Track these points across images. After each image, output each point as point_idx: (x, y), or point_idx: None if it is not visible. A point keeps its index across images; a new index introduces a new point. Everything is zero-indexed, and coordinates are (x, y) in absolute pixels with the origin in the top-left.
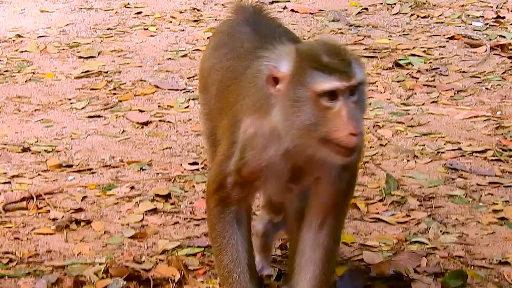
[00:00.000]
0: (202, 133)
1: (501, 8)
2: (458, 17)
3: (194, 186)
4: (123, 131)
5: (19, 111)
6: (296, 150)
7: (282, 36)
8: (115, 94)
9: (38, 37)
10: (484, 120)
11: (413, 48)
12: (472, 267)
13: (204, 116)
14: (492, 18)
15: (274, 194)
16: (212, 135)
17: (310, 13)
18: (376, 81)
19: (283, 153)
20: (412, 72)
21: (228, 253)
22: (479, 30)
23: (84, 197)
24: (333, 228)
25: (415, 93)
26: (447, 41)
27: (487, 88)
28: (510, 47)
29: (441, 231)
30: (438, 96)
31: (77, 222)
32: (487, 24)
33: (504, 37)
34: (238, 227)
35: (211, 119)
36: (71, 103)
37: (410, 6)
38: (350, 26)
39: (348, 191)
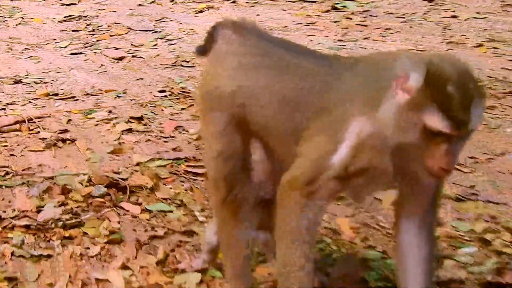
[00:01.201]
0: (212, 152)
1: None
2: None
3: (162, 110)
4: (101, 65)
5: (11, 50)
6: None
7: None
8: (93, 35)
9: None
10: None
11: None
12: None
13: (218, 133)
14: None
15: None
16: (233, 154)
17: None
18: (316, 22)
19: (389, 152)
20: (347, 14)
21: (305, 249)
22: None
23: (69, 120)
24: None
25: (350, 32)
26: None
27: (410, 27)
28: None
29: None
30: (369, 33)
31: (63, 141)
32: None
33: None
34: (316, 225)
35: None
36: (56, 43)
37: None
38: None
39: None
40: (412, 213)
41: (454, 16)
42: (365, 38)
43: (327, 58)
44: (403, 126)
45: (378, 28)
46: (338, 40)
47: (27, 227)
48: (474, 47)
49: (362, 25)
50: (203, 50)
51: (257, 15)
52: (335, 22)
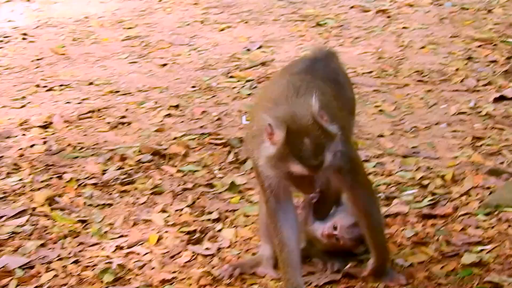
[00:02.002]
0: None
1: None
2: None
3: (193, 100)
4: (150, 70)
5: (87, 61)
6: None
7: (316, 80)
8: (145, 49)
9: (98, 17)
10: (371, 54)
11: (328, 14)
12: (361, 139)
13: None
14: None
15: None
16: None
17: None
18: (305, 34)
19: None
20: (327, 29)
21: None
22: (369, 2)
23: (126, 109)
24: (363, 202)
25: (329, 40)
26: (349, 9)
27: (373, 36)
28: (387, 11)
29: None
30: (343, 41)
31: (122, 124)
32: None
33: (384, 5)
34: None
35: None
36: (118, 55)
37: None
38: (290, 2)
39: (353, 170)
40: (347, 196)
41: (405, 27)
42: (340, 45)
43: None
44: (269, 166)
45: (350, 38)
46: None
47: (95, 184)
48: (419, 48)
49: (338, 35)
50: None
51: (263, 31)
52: (319, 34)
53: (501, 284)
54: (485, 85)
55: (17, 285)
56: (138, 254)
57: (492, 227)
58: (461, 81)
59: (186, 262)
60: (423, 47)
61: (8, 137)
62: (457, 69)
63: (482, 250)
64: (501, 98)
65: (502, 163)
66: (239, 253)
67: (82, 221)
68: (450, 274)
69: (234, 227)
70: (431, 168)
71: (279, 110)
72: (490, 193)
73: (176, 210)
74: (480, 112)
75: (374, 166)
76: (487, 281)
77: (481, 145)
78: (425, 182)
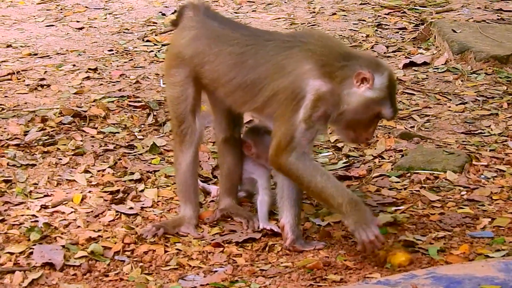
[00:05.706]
0: (171, 97)
1: None
2: None
3: (111, 63)
4: (67, 33)
5: (3, 24)
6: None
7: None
8: (61, 12)
9: None
10: (283, 20)
11: None
12: None
13: (176, 84)
14: None
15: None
16: (184, 99)
17: None
18: (218, 0)
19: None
20: None
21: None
22: None
23: (45, 72)
24: None
25: (242, 7)
26: None
27: (285, 2)
28: None
29: None
30: (256, 7)
31: (42, 86)
32: None
33: None
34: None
35: (197, 83)
36: (35, 18)
37: None
38: None
39: None
40: None
41: None
42: (253, 11)
43: (262, 32)
44: (360, 109)
45: (262, 3)
46: (234, 12)
47: (17, 145)
48: (329, 15)
49: (251, 2)
50: (175, 24)
51: None
52: (231, 0)
53: (415, 242)
54: (395, 51)
55: None
56: (63, 213)
57: (405, 188)
58: (372, 47)
59: (110, 221)
60: (334, 14)
61: None
62: (367, 36)
63: (396, 210)
64: (411, 64)
65: (412, 127)
66: (161, 213)
67: (6, 181)
68: None
69: (156, 187)
70: None
71: (365, 60)
72: (402, 156)
73: (99, 171)
74: None
75: None
76: (401, 239)
77: None
78: (340, 144)
